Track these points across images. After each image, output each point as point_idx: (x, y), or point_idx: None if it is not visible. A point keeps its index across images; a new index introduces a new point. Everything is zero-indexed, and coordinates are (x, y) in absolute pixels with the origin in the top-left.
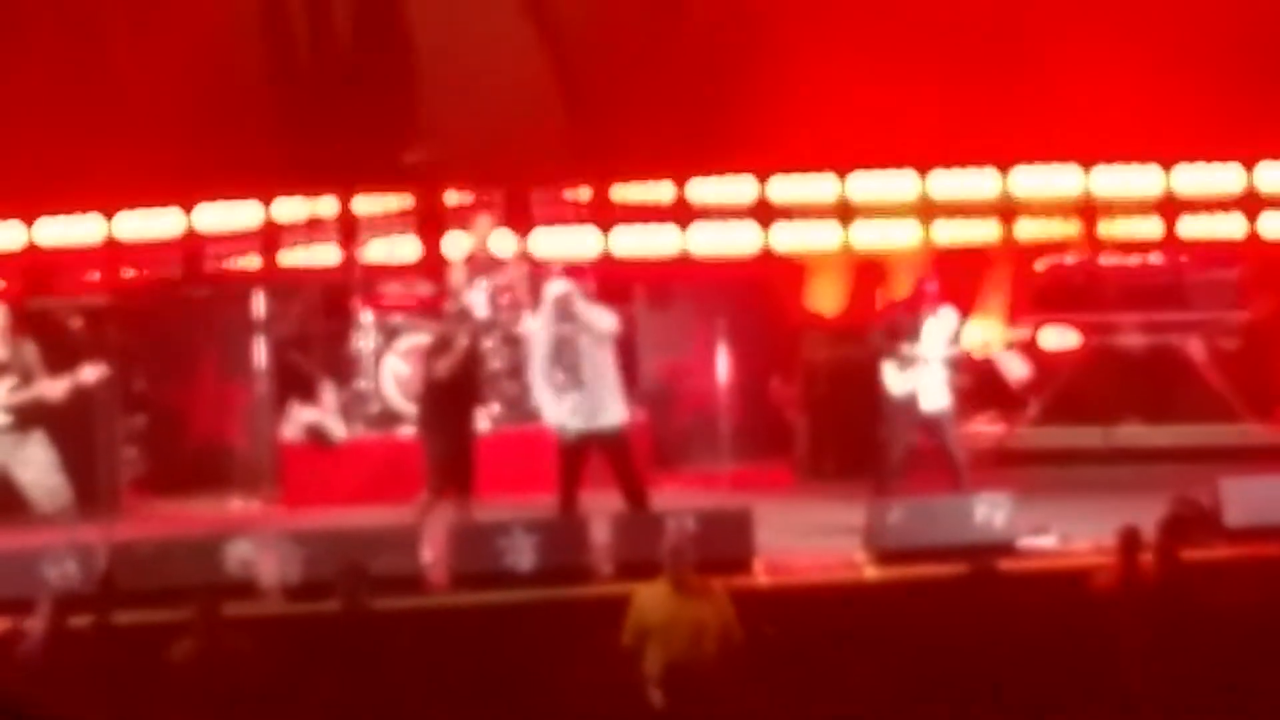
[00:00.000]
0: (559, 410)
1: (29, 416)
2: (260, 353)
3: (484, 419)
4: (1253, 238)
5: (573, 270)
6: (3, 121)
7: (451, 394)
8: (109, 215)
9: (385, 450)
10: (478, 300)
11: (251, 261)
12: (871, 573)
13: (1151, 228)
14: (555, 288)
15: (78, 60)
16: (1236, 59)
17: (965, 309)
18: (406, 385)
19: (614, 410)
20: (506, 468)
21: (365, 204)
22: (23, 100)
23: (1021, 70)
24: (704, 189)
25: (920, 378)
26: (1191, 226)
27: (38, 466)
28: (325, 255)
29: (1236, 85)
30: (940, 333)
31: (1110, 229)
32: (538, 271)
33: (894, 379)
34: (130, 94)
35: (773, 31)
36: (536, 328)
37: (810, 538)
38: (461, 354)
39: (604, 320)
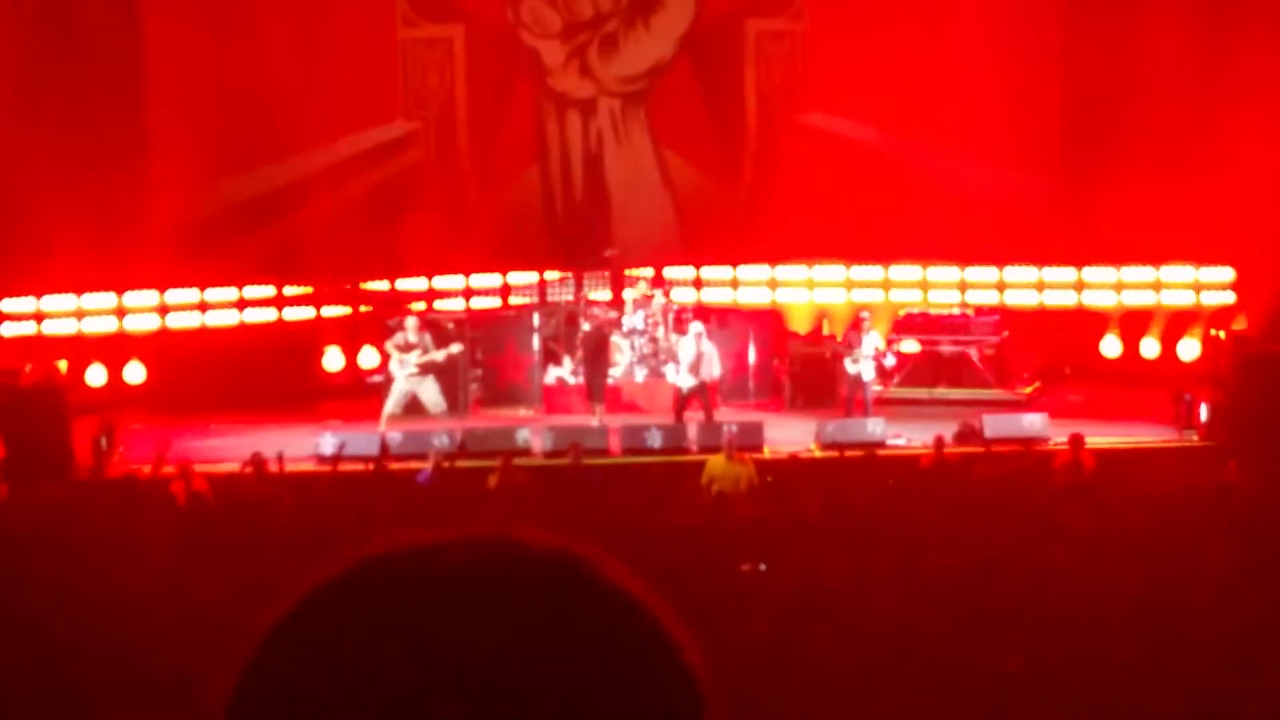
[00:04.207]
0: (683, 376)
1: (427, 369)
2: (535, 341)
3: (636, 373)
4: (1002, 306)
5: (694, 311)
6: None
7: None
8: (467, 275)
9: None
10: (637, 321)
11: (532, 297)
12: (818, 454)
13: (953, 296)
14: (695, 327)
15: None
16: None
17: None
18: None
19: (706, 375)
20: (646, 397)
21: (587, 274)
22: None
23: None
24: (747, 272)
25: (861, 364)
26: (974, 298)
27: (431, 392)
28: (567, 295)
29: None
30: (871, 342)
31: (937, 299)
32: (667, 309)
33: (850, 365)
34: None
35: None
36: (684, 344)
37: (790, 435)
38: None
39: (709, 342)
